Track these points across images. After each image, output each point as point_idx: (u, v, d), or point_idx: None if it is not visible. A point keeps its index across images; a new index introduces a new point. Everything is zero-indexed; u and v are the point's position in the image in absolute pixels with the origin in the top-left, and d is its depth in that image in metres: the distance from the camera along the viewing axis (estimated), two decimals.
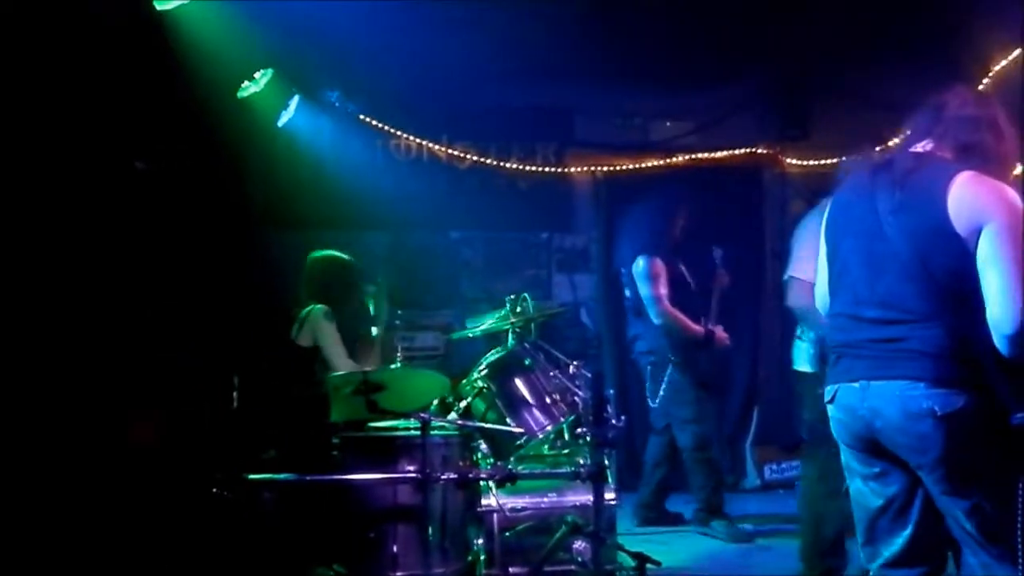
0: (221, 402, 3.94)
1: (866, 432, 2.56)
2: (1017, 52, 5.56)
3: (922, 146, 2.60)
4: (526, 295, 4.15)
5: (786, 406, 6.21)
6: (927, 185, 2.47)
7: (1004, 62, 5.55)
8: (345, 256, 4.42)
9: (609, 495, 3.76)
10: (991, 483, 2.45)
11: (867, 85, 5.84)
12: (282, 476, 3.51)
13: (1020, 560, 2.44)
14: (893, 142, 5.97)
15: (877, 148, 5.92)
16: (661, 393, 4.86)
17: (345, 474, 3.62)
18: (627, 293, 5.07)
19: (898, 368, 2.46)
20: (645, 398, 5.03)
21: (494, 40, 5.57)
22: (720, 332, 4.97)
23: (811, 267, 3.55)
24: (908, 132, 2.67)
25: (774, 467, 6.31)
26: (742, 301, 6.12)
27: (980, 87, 5.75)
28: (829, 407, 2.69)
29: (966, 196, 2.40)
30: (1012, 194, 2.40)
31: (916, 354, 2.44)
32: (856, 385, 2.55)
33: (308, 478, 3.54)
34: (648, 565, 3.63)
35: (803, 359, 4.04)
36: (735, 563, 4.56)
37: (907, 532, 2.57)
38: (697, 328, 4.89)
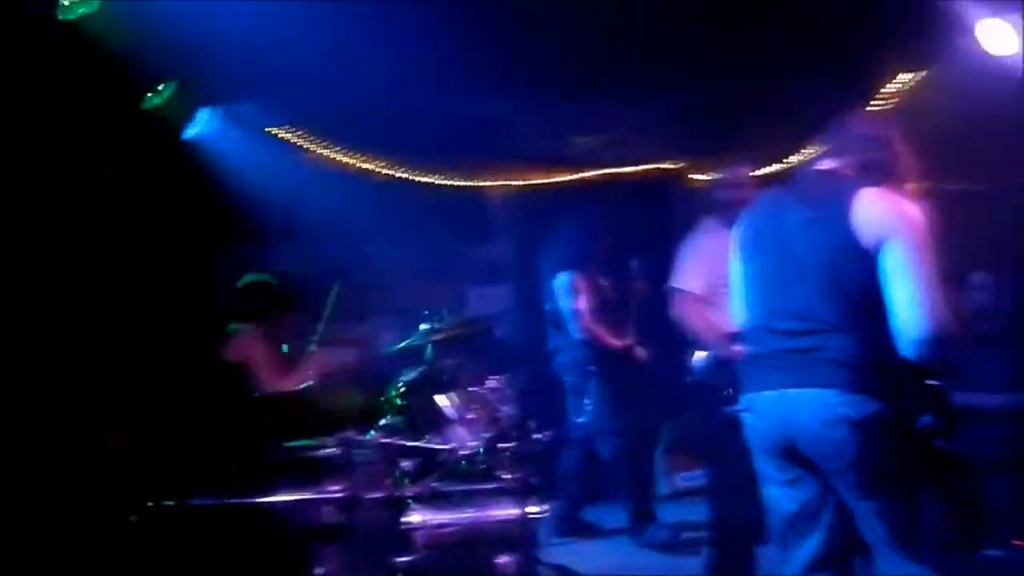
0: (139, 422, 3.82)
1: (783, 439, 2.66)
2: (911, 74, 5.88)
3: (826, 164, 2.73)
4: (445, 310, 4.15)
5: (697, 415, 6.38)
6: (834, 202, 2.60)
7: (894, 85, 5.87)
8: (275, 277, 4.37)
9: (534, 508, 3.79)
10: (901, 485, 2.58)
11: (769, 104, 6.07)
12: (201, 500, 3.41)
13: (924, 557, 2.59)
14: (794, 158, 6.28)
15: (777, 164, 6.19)
16: (585, 405, 4.92)
17: (269, 496, 3.54)
18: (547, 306, 5.12)
19: (813, 377, 2.58)
20: (562, 410, 5.08)
21: (411, 51, 5.57)
22: (639, 349, 5.06)
23: (694, 281, 3.93)
24: (812, 151, 2.81)
25: (686, 475, 6.42)
26: (653, 312, 6.24)
27: (872, 108, 6.06)
28: (745, 416, 2.79)
29: (871, 212, 2.54)
30: (913, 209, 2.55)
31: (830, 363, 2.56)
32: (773, 394, 2.66)
33: (230, 501, 3.46)
34: None
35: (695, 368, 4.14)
36: (654, 570, 4.65)
37: (820, 536, 2.69)
38: (617, 342, 4.97)
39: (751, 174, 4.33)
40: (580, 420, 5.03)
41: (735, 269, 2.91)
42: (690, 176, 6.86)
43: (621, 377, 5.00)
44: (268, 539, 3.49)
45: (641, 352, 5.07)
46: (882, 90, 6.05)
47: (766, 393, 2.69)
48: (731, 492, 3.99)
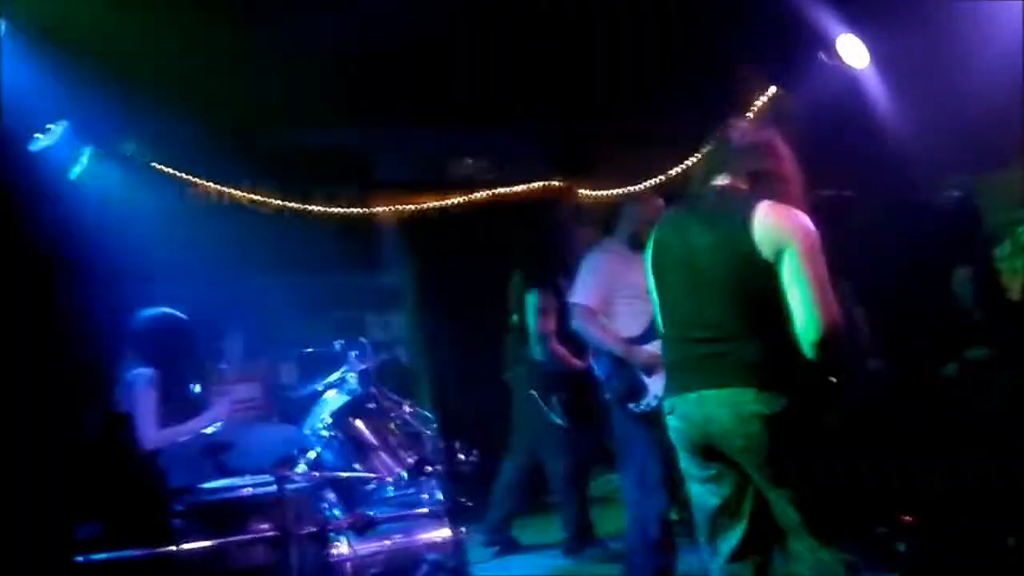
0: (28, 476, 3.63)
1: (702, 438, 2.83)
2: (772, 89, 6.28)
3: (720, 180, 2.90)
4: (364, 340, 4.16)
5: (602, 422, 6.55)
6: (732, 218, 2.78)
7: (765, 97, 6.26)
8: (178, 313, 4.21)
9: (463, 529, 3.84)
10: (810, 474, 2.78)
11: (646, 122, 6.35)
12: (105, 555, 3.29)
13: (836, 539, 2.81)
14: (672, 172, 6.57)
15: (657, 179, 6.46)
16: (538, 421, 4.96)
17: (192, 541, 3.46)
18: (515, 318, 5.18)
19: (728, 378, 2.76)
20: (497, 427, 5.13)
21: (291, 83, 5.57)
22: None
23: (591, 295, 4.20)
24: (705, 168, 2.99)
25: (593, 483, 6.55)
26: None
27: (746, 122, 6.42)
28: (669, 418, 2.94)
29: (767, 225, 2.72)
30: (805, 219, 2.75)
31: (742, 365, 2.74)
32: (692, 396, 2.83)
33: (139, 553, 3.35)
34: None
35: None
36: None
37: (741, 527, 2.86)
38: (578, 363, 5.06)
39: (648, 193, 4.53)
40: (530, 435, 5.05)
41: (649, 285, 3.08)
42: (578, 191, 7.07)
43: (576, 395, 5.06)
44: None
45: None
46: (752, 105, 6.45)
47: (686, 395, 2.85)
48: (646, 489, 4.16)
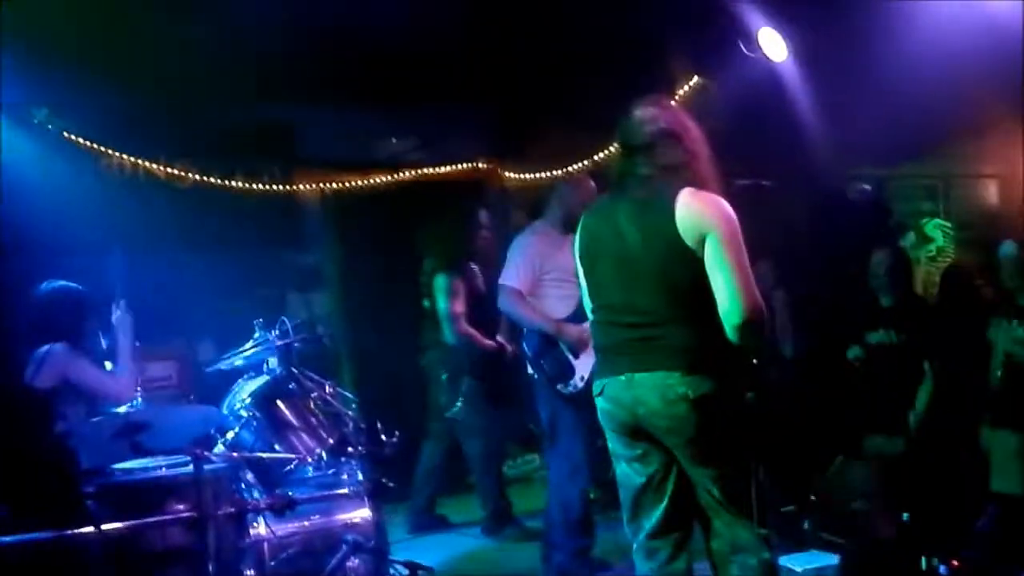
0: None
1: (630, 419, 2.91)
2: (695, 79, 6.40)
3: (645, 170, 2.90)
4: (285, 319, 4.11)
5: (519, 403, 6.61)
6: (657, 206, 2.84)
7: (687, 86, 6.37)
8: (77, 286, 4.08)
9: (383, 508, 3.86)
10: (732, 454, 2.88)
11: (575, 105, 6.39)
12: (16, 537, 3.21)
13: (756, 516, 2.90)
14: (600, 156, 6.64)
15: (584, 163, 6.53)
16: (454, 403, 4.98)
17: (106, 523, 3.39)
18: (425, 303, 5.15)
19: (656, 362, 2.83)
20: (416, 409, 5.12)
21: (213, 56, 5.44)
22: (510, 348, 5.19)
23: (518, 276, 4.21)
24: (609, 153, 3.05)
25: (511, 463, 6.64)
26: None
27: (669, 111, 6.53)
28: (598, 400, 3.00)
29: (690, 212, 2.79)
30: (726, 205, 2.83)
31: (669, 349, 2.82)
32: (622, 378, 2.89)
33: (49, 535, 3.27)
34: (419, 572, 3.78)
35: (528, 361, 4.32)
36: (507, 560, 4.81)
37: (664, 504, 2.95)
38: (490, 343, 5.09)
39: (581, 175, 4.58)
40: (448, 416, 5.05)
41: (577, 270, 3.13)
42: (504, 175, 7.08)
43: (492, 376, 5.10)
44: (108, 569, 3.34)
45: (512, 351, 5.20)
46: (671, 91, 6.55)
47: (616, 377, 2.92)
48: (570, 469, 4.23)
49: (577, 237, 3.12)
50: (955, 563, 3.81)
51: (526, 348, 4.29)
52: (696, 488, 2.93)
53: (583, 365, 4.09)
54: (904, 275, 5.03)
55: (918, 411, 4.63)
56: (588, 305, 3.12)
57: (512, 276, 4.26)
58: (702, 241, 2.77)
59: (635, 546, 3.04)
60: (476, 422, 5.04)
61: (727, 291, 2.75)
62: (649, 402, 2.83)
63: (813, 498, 4.68)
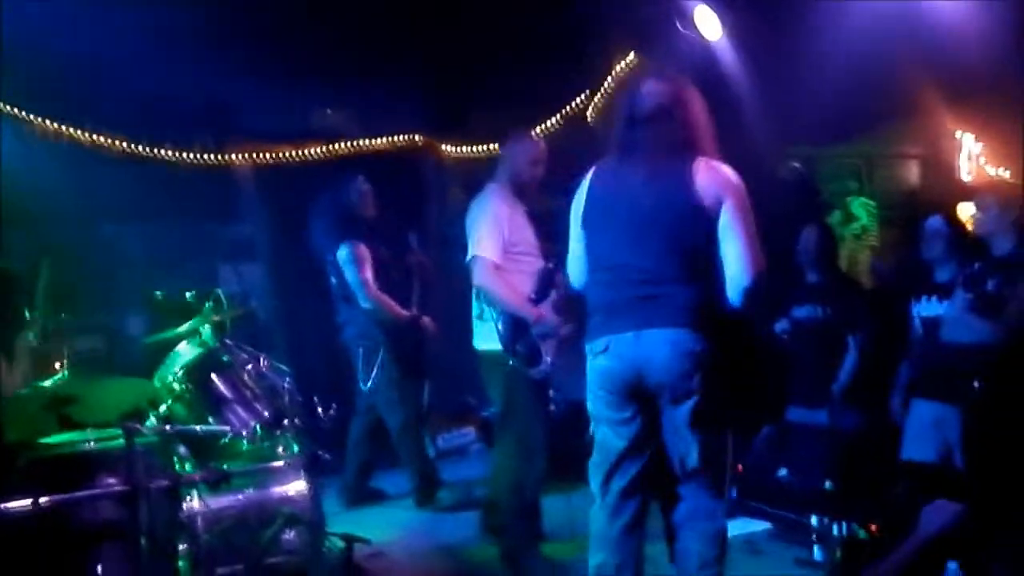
0: None
1: (633, 376, 2.96)
2: (631, 56, 6.46)
3: (653, 135, 2.99)
4: (219, 291, 4.06)
5: (454, 379, 6.64)
6: (674, 170, 2.93)
7: (623, 63, 6.43)
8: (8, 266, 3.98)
9: (317, 481, 3.84)
10: (719, 421, 2.98)
11: (513, 80, 6.40)
12: None
13: (727, 485, 3.03)
14: (535, 131, 6.66)
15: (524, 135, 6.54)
16: (373, 376, 4.96)
17: (34, 496, 3.33)
18: (332, 281, 5.09)
19: (664, 318, 2.91)
20: (348, 383, 5.10)
21: (143, 23, 5.31)
22: (426, 319, 5.18)
23: (492, 248, 3.91)
24: (549, 126, 3.10)
25: (446, 436, 6.67)
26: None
27: (604, 84, 6.60)
28: (600, 357, 3.03)
29: (707, 179, 2.91)
30: (737, 177, 2.96)
31: (676, 308, 2.90)
32: (628, 335, 2.95)
33: None
34: (356, 544, 3.80)
35: (487, 338, 4.15)
36: (443, 530, 4.82)
37: (639, 466, 3.03)
38: (404, 313, 5.06)
39: (530, 138, 4.50)
40: (367, 389, 5.04)
41: (579, 234, 3.15)
42: (441, 149, 7.05)
43: (408, 347, 5.09)
44: (37, 544, 3.28)
45: (428, 323, 5.20)
46: (608, 68, 6.61)
47: (624, 334, 2.96)
48: (527, 454, 4.13)
49: (582, 198, 3.15)
50: (873, 528, 3.97)
51: (500, 329, 4.00)
52: (670, 455, 3.01)
53: (548, 348, 3.95)
54: (831, 252, 5.19)
55: (841, 383, 4.80)
56: (578, 272, 3.16)
57: (485, 247, 3.90)
58: (719, 207, 2.88)
59: (597, 504, 3.10)
60: (393, 394, 5.04)
61: (737, 255, 2.87)
62: (658, 357, 2.90)
63: (740, 467, 4.82)
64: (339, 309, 5.17)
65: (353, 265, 4.93)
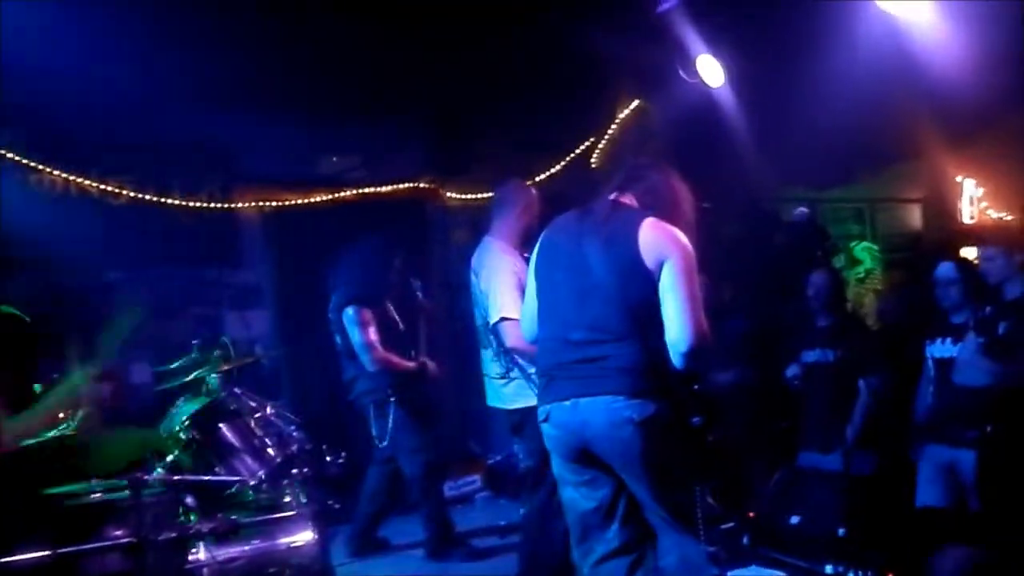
0: None
1: (577, 443, 2.94)
2: (636, 102, 6.52)
3: (614, 196, 3.07)
4: (226, 339, 4.04)
5: (459, 425, 6.60)
6: (623, 228, 2.94)
7: (627, 109, 6.49)
8: (12, 310, 3.96)
9: (325, 532, 3.80)
10: (679, 475, 2.94)
11: (517, 126, 6.46)
12: None
13: (702, 534, 2.97)
14: (540, 177, 6.71)
15: (526, 182, 6.58)
16: (388, 430, 4.91)
17: (39, 549, 3.28)
18: (338, 339, 5.06)
19: (601, 385, 2.88)
20: (358, 432, 5.06)
21: (150, 70, 5.36)
22: (431, 364, 5.15)
23: (515, 305, 3.76)
24: (603, 183, 3.14)
25: (451, 484, 6.59)
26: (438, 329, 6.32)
27: (609, 131, 6.66)
28: (543, 425, 3.03)
29: (652, 238, 2.90)
30: (684, 238, 2.94)
31: (616, 371, 2.87)
32: (567, 403, 2.94)
33: None
34: None
35: (516, 396, 4.04)
36: None
37: (615, 527, 3.00)
38: (410, 364, 5.01)
39: (520, 185, 4.48)
40: (380, 445, 4.94)
41: (532, 285, 3.17)
42: (446, 194, 7.08)
43: (417, 396, 5.04)
44: None
45: (432, 368, 5.16)
46: (611, 116, 6.67)
47: (561, 403, 2.96)
48: (549, 506, 3.92)
49: (536, 251, 3.17)
50: None
51: (520, 379, 3.97)
52: (644, 508, 2.98)
53: None
54: (840, 295, 5.18)
55: (854, 427, 4.76)
56: (531, 324, 3.15)
57: (511, 307, 3.78)
58: (660, 266, 2.87)
59: (584, 568, 3.07)
60: (412, 443, 4.97)
61: (676, 318, 2.84)
62: (595, 426, 2.88)
63: (751, 514, 4.76)
64: (345, 366, 5.11)
65: (358, 327, 4.90)
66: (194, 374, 4.03)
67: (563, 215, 3.17)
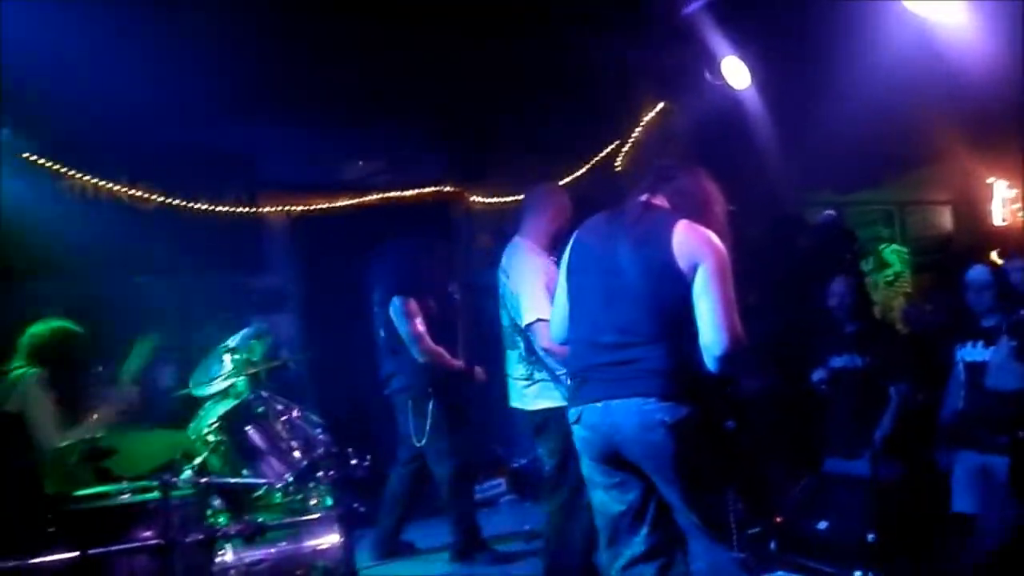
0: None
1: (608, 446, 2.92)
2: (660, 105, 6.50)
3: (645, 197, 3.05)
4: (253, 341, 4.07)
5: (483, 429, 6.59)
6: (655, 230, 2.91)
7: (652, 112, 6.46)
8: (75, 327, 4.08)
9: (351, 534, 3.81)
10: (710, 479, 2.91)
11: (539, 131, 6.45)
12: None
13: (734, 539, 2.93)
14: (564, 181, 6.70)
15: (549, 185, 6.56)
16: (423, 427, 4.89)
17: (69, 550, 3.31)
18: (381, 333, 5.08)
19: (633, 387, 2.85)
20: (384, 434, 5.05)
21: (179, 77, 5.40)
22: (477, 369, 5.14)
23: (547, 307, 3.64)
24: (634, 184, 3.12)
25: (476, 488, 6.56)
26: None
27: (634, 134, 6.64)
28: (575, 427, 3.01)
29: (685, 240, 2.87)
30: (719, 241, 2.91)
31: (647, 373, 2.84)
32: (599, 405, 2.91)
33: (9, 563, 3.19)
34: None
35: (540, 396, 4.03)
36: None
37: (644, 531, 2.97)
38: (457, 363, 5.03)
39: (553, 187, 4.48)
40: (418, 443, 4.93)
41: (563, 286, 3.15)
42: (470, 198, 7.09)
43: (456, 397, 5.04)
44: None
45: (480, 373, 5.17)
46: (634, 120, 6.65)
47: (592, 405, 2.94)
48: (570, 506, 4.00)
49: (568, 253, 3.15)
50: None
51: (547, 381, 3.98)
52: (675, 512, 2.95)
53: None
54: (864, 301, 5.14)
55: (883, 432, 4.71)
56: (561, 326, 3.13)
57: (544, 309, 3.71)
58: (694, 269, 2.84)
59: (613, 573, 3.04)
60: (445, 445, 4.97)
61: (711, 321, 2.80)
62: (626, 428, 2.85)
63: (778, 519, 4.72)
64: (385, 361, 5.11)
65: (405, 318, 4.91)
66: (224, 379, 4.06)
67: (594, 217, 3.15)
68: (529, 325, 3.86)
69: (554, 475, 4.04)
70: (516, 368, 4.12)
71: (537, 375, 4.03)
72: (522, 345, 4.03)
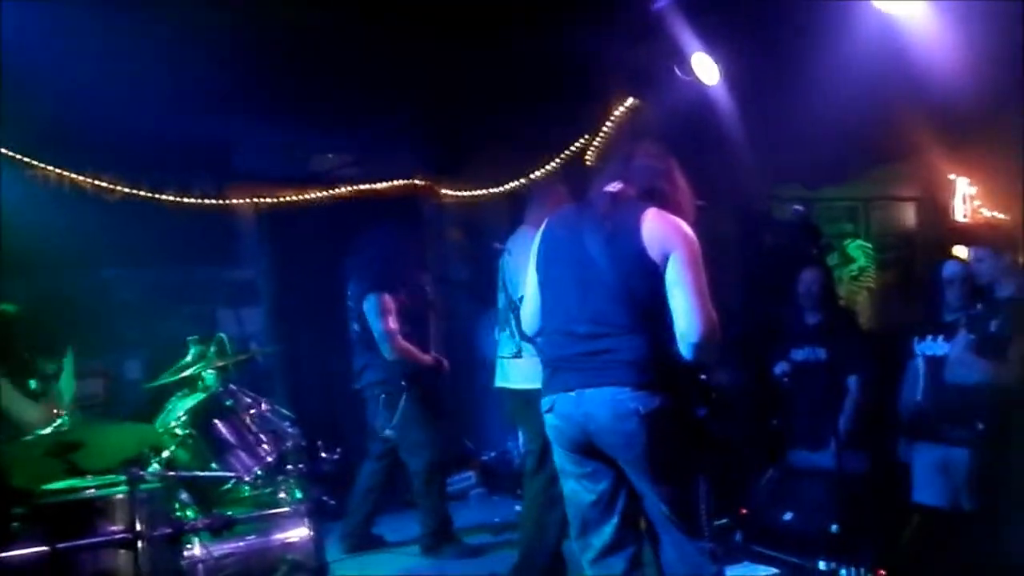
0: None
1: (581, 435, 2.93)
2: (630, 100, 6.52)
3: (613, 187, 3.04)
4: (222, 335, 4.05)
5: (453, 422, 6.61)
6: (625, 220, 2.92)
7: (622, 107, 6.49)
8: (11, 308, 4.00)
9: (320, 527, 3.81)
10: (682, 470, 2.93)
11: (510, 125, 6.46)
12: None
13: (705, 529, 2.95)
14: (534, 175, 6.72)
15: (520, 181, 6.60)
16: (396, 421, 4.89)
17: (34, 545, 3.28)
18: (355, 326, 5.08)
19: (606, 377, 2.87)
20: (355, 428, 5.05)
21: (145, 67, 5.35)
22: (445, 362, 5.16)
23: None
24: (602, 175, 3.12)
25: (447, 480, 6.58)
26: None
27: (604, 129, 6.66)
28: (547, 416, 3.02)
29: (656, 228, 2.88)
30: (689, 229, 2.92)
31: (621, 363, 2.86)
32: (572, 394, 2.92)
33: None
34: None
35: (525, 376, 4.11)
36: None
37: (615, 521, 2.99)
38: (427, 358, 5.06)
39: (553, 182, 4.52)
40: (388, 435, 4.95)
41: (533, 279, 3.16)
42: (440, 192, 7.09)
43: (428, 390, 5.06)
44: None
45: (446, 365, 5.19)
46: (605, 114, 6.67)
47: (565, 394, 2.95)
48: (544, 495, 4.07)
49: (538, 245, 3.15)
50: (882, 573, 3.94)
51: (528, 360, 4.07)
52: (645, 503, 2.97)
53: None
54: (831, 293, 5.21)
55: (844, 424, 4.78)
56: (533, 318, 3.15)
57: None
58: (666, 258, 2.85)
59: (585, 563, 3.06)
60: (418, 437, 4.98)
61: (685, 309, 2.82)
62: (600, 417, 2.86)
63: (744, 511, 4.79)
64: (358, 354, 5.11)
65: (379, 317, 4.92)
66: (190, 371, 4.03)
67: (562, 209, 3.17)
68: (523, 297, 3.93)
69: (533, 460, 4.09)
70: (506, 347, 4.21)
71: (525, 352, 4.09)
72: (513, 322, 4.10)
